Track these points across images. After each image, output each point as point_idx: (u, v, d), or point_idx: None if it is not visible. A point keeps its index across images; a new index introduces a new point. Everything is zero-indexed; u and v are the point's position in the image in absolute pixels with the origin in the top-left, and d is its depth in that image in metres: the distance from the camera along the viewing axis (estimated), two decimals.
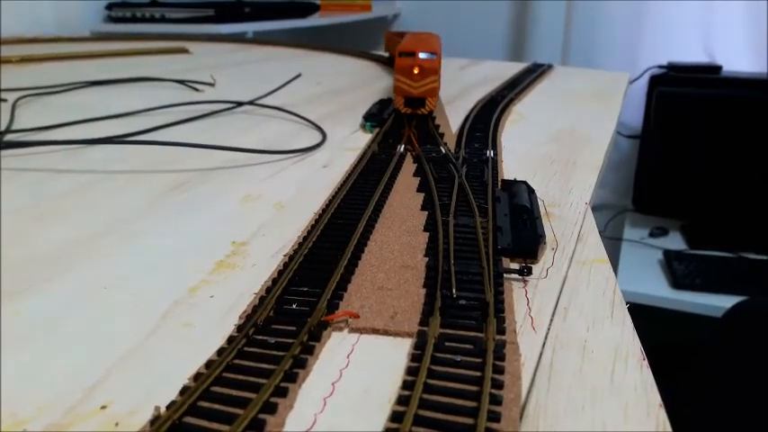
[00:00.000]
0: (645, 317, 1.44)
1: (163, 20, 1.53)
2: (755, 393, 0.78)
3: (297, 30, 1.90)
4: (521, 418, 0.23)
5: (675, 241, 1.63)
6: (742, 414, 0.79)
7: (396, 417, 0.23)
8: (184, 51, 1.18)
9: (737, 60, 1.73)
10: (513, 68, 1.05)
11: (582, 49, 1.89)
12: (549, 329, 0.29)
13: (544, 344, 0.28)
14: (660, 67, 1.73)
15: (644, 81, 1.69)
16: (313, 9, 1.83)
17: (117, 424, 0.23)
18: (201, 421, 0.22)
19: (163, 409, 0.23)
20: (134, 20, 1.55)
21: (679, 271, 1.44)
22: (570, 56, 1.91)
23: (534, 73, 0.98)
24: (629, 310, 0.31)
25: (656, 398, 0.25)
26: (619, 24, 1.86)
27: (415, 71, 0.61)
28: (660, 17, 1.81)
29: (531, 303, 0.31)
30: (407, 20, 2.18)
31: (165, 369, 0.26)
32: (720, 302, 1.26)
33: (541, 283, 0.34)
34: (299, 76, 0.82)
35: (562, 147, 0.60)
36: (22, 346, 0.28)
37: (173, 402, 0.23)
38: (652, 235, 1.68)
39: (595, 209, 0.44)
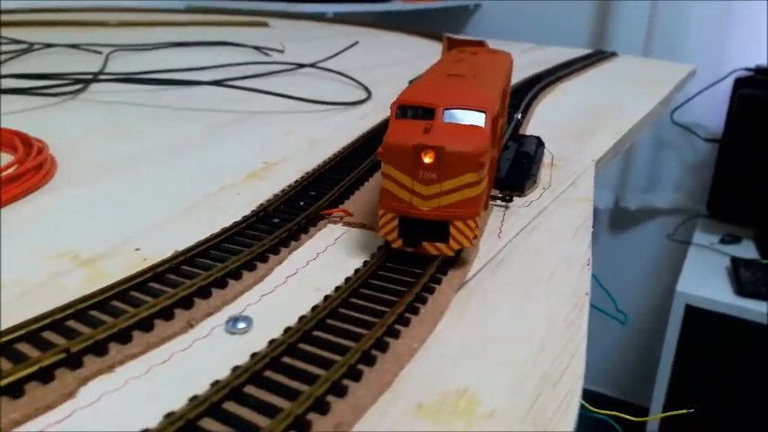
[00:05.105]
0: (706, 322, 1.41)
1: None
2: None
3: (376, 14, 1.97)
4: (459, 287, 0.28)
5: (748, 250, 1.58)
6: None
7: (356, 271, 0.28)
8: (264, 25, 1.27)
9: None
10: (574, 54, 1.06)
11: (666, 49, 1.84)
12: (512, 240, 0.34)
13: (503, 248, 0.33)
14: (747, 69, 1.67)
15: (728, 84, 1.64)
16: None
17: (145, 259, 0.30)
18: (201, 267, 0.28)
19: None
20: None
21: (745, 278, 1.40)
22: (653, 55, 1.87)
23: (593, 58, 1.00)
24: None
25: (584, 288, 0.29)
26: (705, 26, 1.80)
27: (427, 159, 0.28)
28: (750, 18, 1.74)
29: (505, 222, 0.36)
30: (489, 11, 2.19)
31: (186, 232, 0.32)
32: None
33: (522, 209, 0.38)
34: (356, 43, 0.88)
35: (592, 118, 0.62)
36: (86, 212, 0.35)
37: (182, 251, 0.30)
38: (723, 241, 1.63)
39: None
